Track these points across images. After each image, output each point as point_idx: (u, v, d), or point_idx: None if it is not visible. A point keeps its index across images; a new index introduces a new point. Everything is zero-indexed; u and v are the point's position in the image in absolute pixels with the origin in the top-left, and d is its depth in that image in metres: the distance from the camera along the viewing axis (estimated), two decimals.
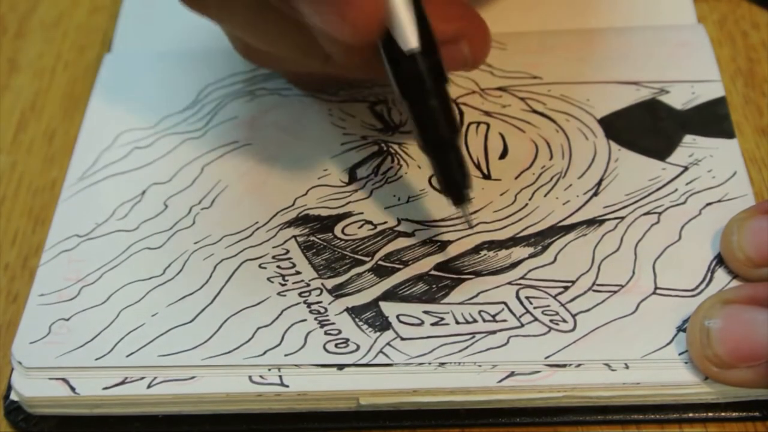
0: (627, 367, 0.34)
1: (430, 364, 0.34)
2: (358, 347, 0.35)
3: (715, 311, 0.33)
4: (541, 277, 0.36)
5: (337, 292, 0.36)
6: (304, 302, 0.36)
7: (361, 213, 0.39)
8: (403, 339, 0.35)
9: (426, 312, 0.36)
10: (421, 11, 0.33)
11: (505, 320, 0.35)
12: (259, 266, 0.37)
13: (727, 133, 0.40)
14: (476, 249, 0.37)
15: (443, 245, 0.37)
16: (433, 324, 0.35)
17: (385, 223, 0.38)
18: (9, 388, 0.36)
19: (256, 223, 0.39)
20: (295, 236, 0.38)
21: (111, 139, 0.42)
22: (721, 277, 0.36)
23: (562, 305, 0.35)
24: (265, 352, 0.35)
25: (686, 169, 0.39)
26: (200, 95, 0.43)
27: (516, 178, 0.39)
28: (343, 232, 0.38)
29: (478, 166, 0.40)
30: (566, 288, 0.36)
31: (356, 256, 0.37)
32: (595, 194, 0.39)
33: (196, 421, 0.35)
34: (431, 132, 0.34)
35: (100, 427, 0.35)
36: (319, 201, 0.39)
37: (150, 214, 0.39)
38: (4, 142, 0.44)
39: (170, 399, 0.34)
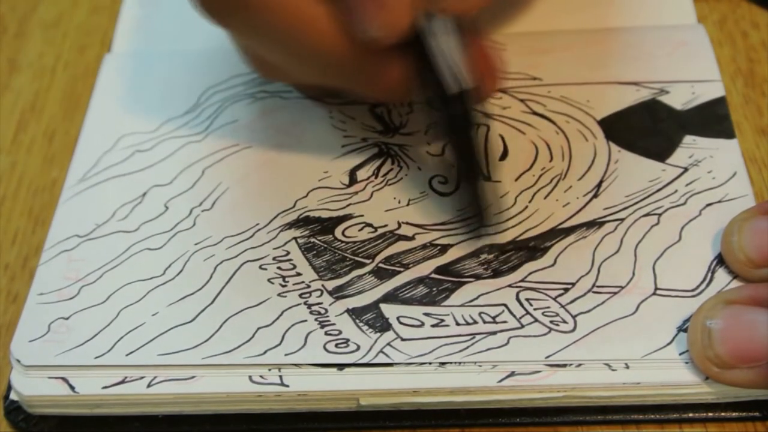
0: (627, 367, 0.34)
1: (430, 364, 0.34)
2: (359, 347, 0.35)
3: (716, 312, 0.33)
4: (542, 280, 0.36)
5: (338, 293, 0.36)
6: (305, 303, 0.36)
7: (362, 215, 0.39)
8: (403, 339, 0.35)
9: (426, 314, 0.36)
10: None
11: (505, 321, 0.35)
12: (260, 267, 0.37)
13: (727, 133, 0.40)
14: (476, 252, 0.37)
15: (444, 248, 0.37)
16: (433, 325, 0.35)
17: (386, 225, 0.38)
18: (9, 388, 0.36)
19: (257, 224, 0.39)
20: (295, 238, 0.38)
21: (112, 142, 0.42)
22: (722, 278, 0.36)
23: (563, 306, 0.35)
24: (265, 352, 0.35)
25: (686, 170, 0.39)
26: (201, 98, 0.43)
27: (516, 180, 0.39)
28: (343, 234, 0.38)
29: None
30: (566, 290, 0.36)
31: (357, 259, 0.37)
32: (595, 196, 0.39)
33: (196, 421, 0.35)
34: (476, 163, 0.37)
35: (100, 428, 0.35)
36: (320, 203, 0.39)
37: (150, 215, 0.39)
38: (4, 142, 0.44)
39: (170, 398, 0.34)
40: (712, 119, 0.41)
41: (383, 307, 0.36)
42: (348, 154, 0.41)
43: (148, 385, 0.34)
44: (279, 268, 0.37)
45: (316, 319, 0.36)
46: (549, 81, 0.42)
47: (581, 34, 0.44)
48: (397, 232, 0.38)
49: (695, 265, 0.36)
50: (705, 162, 0.39)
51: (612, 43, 0.44)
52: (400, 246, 0.38)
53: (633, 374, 0.34)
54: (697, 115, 0.41)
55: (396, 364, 0.34)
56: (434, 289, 0.36)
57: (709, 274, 0.36)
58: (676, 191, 0.38)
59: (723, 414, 0.34)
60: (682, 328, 0.34)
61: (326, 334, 0.35)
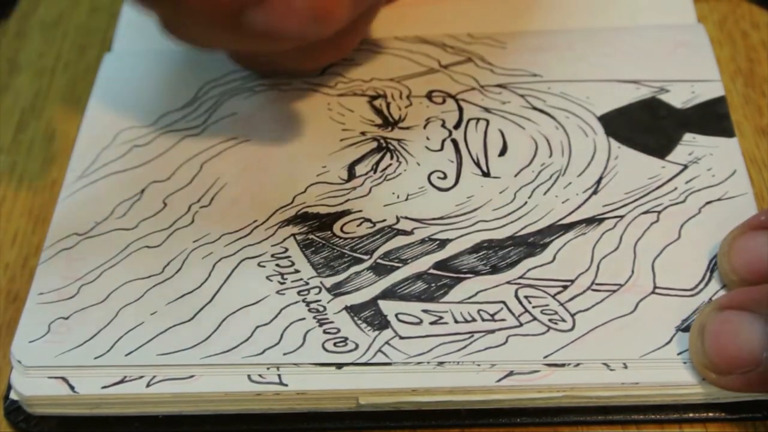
0: (626, 366, 0.34)
1: (428, 363, 0.34)
2: (357, 346, 0.35)
3: (710, 317, 0.33)
4: (540, 276, 0.36)
5: (336, 290, 0.36)
6: (303, 301, 0.36)
7: (360, 211, 0.39)
8: (401, 338, 0.35)
9: (425, 311, 0.35)
10: None
11: (503, 319, 0.35)
12: (258, 265, 0.37)
13: (727, 132, 0.40)
14: (475, 248, 0.37)
15: (442, 243, 0.37)
16: (431, 323, 0.35)
17: (384, 221, 0.38)
18: (9, 388, 0.36)
19: (255, 221, 0.39)
20: (294, 234, 0.38)
21: (110, 138, 0.42)
22: (721, 277, 0.36)
23: (561, 304, 0.35)
24: (264, 351, 0.35)
25: (686, 167, 0.39)
26: (199, 92, 0.43)
27: (515, 175, 0.39)
28: (342, 230, 0.38)
29: (477, 163, 0.40)
30: (565, 287, 0.36)
31: (355, 255, 0.37)
32: (595, 192, 0.39)
33: (196, 421, 0.35)
34: None
35: (100, 428, 0.35)
36: (318, 198, 0.39)
37: (149, 212, 0.39)
38: (4, 142, 0.44)
39: (169, 398, 0.34)
40: (711, 118, 0.41)
41: (382, 303, 0.36)
42: (347, 149, 0.41)
43: (147, 385, 0.34)
44: (277, 265, 0.37)
45: (314, 317, 0.36)
46: (549, 77, 0.42)
47: (582, 33, 0.44)
48: (395, 227, 0.38)
49: (694, 263, 0.36)
50: (705, 160, 0.39)
51: (612, 42, 0.44)
52: (399, 241, 0.38)
53: (631, 374, 0.34)
54: (696, 113, 0.41)
55: (394, 363, 0.34)
56: (433, 285, 0.36)
57: (708, 273, 0.36)
58: (675, 189, 0.38)
59: (723, 414, 0.34)
60: (680, 328, 0.34)
61: (325, 332, 0.35)
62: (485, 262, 0.37)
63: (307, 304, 0.36)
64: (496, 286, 0.36)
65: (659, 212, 0.38)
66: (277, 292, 0.36)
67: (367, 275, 0.37)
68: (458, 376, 0.34)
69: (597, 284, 0.36)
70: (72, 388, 0.34)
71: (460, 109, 0.42)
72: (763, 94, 0.43)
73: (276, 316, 0.36)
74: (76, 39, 0.49)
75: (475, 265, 0.37)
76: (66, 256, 0.38)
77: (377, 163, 0.40)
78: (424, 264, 0.37)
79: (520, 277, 0.36)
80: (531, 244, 0.37)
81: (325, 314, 0.36)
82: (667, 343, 0.34)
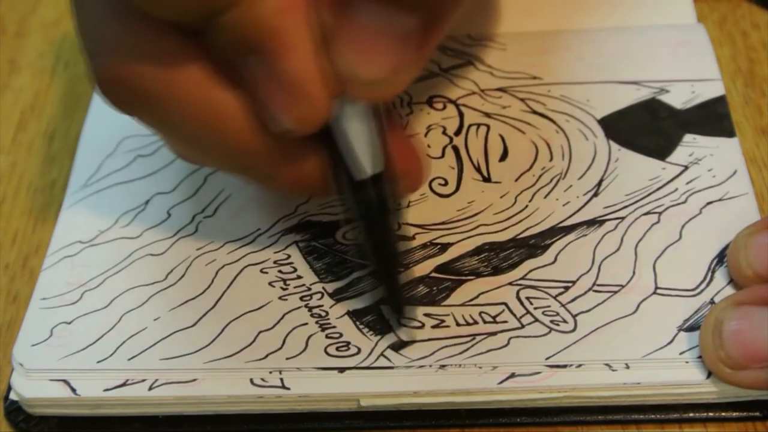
0: (627, 367, 0.34)
1: (431, 366, 0.34)
2: (359, 350, 0.35)
3: (727, 313, 0.33)
4: (542, 278, 0.36)
5: (338, 295, 0.36)
6: (306, 306, 0.36)
7: None
8: (403, 342, 0.35)
9: (427, 314, 0.36)
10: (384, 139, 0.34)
11: (505, 321, 0.35)
12: (261, 271, 0.37)
13: (728, 131, 0.40)
14: (477, 251, 0.37)
15: (443, 247, 0.37)
16: (433, 326, 0.35)
17: None
18: (9, 388, 0.36)
19: (258, 229, 0.39)
20: (296, 241, 0.38)
21: (113, 146, 0.42)
22: (722, 277, 0.36)
23: (563, 306, 0.35)
24: (266, 356, 0.35)
25: (686, 168, 0.39)
26: None
27: (516, 180, 0.39)
28: (344, 237, 0.38)
29: (478, 169, 0.40)
30: (567, 288, 0.36)
31: (357, 260, 0.37)
32: (596, 195, 0.39)
33: (197, 421, 0.35)
34: (394, 254, 0.35)
35: (100, 428, 0.35)
36: (321, 208, 0.39)
37: (153, 222, 0.39)
38: (4, 142, 0.44)
39: (171, 401, 0.34)
40: (712, 118, 0.41)
41: (384, 308, 0.36)
42: None
43: (150, 388, 0.34)
44: (280, 271, 0.37)
45: (317, 322, 0.36)
46: (549, 80, 0.42)
47: (581, 34, 0.44)
48: (397, 233, 0.38)
49: (695, 264, 0.36)
50: (705, 160, 0.39)
51: (612, 43, 0.43)
52: (400, 246, 0.38)
53: (633, 374, 0.34)
54: (697, 113, 0.41)
55: (396, 367, 0.34)
56: (434, 288, 0.36)
57: (710, 274, 0.36)
58: (676, 189, 0.38)
59: (723, 414, 0.34)
60: (682, 328, 0.34)
61: (327, 337, 0.35)
62: (487, 263, 0.37)
63: (310, 309, 0.36)
64: (498, 287, 0.36)
65: (660, 213, 0.38)
66: (280, 298, 0.36)
67: (369, 280, 0.37)
68: (460, 378, 0.34)
69: (598, 285, 0.36)
70: (73, 390, 0.35)
71: (461, 115, 0.42)
72: (763, 94, 0.43)
73: (278, 322, 0.36)
74: (76, 39, 0.48)
75: (477, 267, 0.37)
76: (70, 262, 0.38)
77: None
78: (425, 268, 0.37)
79: (522, 279, 0.36)
80: (532, 245, 0.37)
81: (328, 319, 0.36)
82: (669, 343, 0.34)
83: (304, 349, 0.35)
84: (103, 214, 0.39)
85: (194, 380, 0.35)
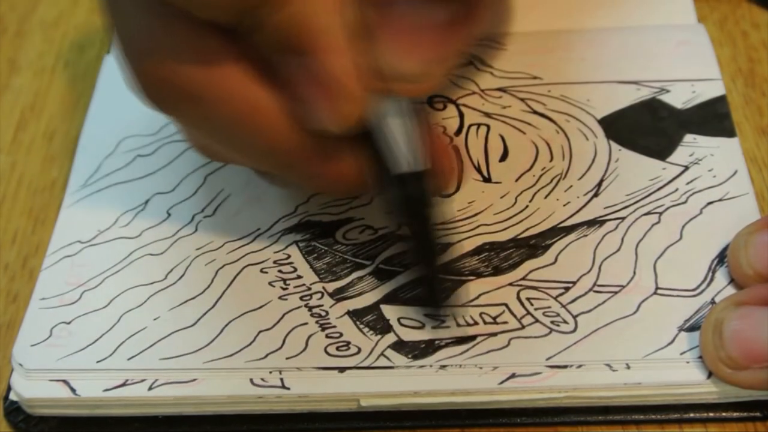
0: (628, 367, 0.34)
1: (431, 366, 0.34)
2: (359, 350, 0.35)
3: (727, 313, 0.33)
4: (542, 278, 0.36)
5: (338, 295, 0.36)
6: (306, 306, 0.36)
7: (362, 218, 0.39)
8: (404, 342, 0.35)
9: (427, 315, 0.36)
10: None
11: (506, 322, 0.35)
12: (261, 271, 0.37)
13: (728, 131, 0.40)
14: (477, 250, 0.37)
15: (444, 247, 0.37)
16: (434, 327, 0.35)
17: (386, 227, 0.38)
18: (9, 388, 0.36)
19: (258, 229, 0.39)
20: (296, 241, 0.38)
21: (113, 145, 0.42)
22: (723, 277, 0.36)
23: (563, 306, 0.35)
24: (266, 356, 0.35)
25: (687, 168, 0.39)
26: None
27: (516, 180, 0.39)
28: (344, 237, 0.38)
29: (478, 169, 0.40)
30: (567, 289, 0.36)
31: (357, 260, 0.37)
32: (596, 195, 0.39)
33: (196, 421, 0.35)
34: (434, 248, 0.35)
35: (100, 428, 0.35)
36: (321, 207, 0.39)
37: (153, 222, 0.39)
38: (4, 142, 0.44)
39: (171, 401, 0.34)
40: (712, 118, 0.41)
41: (384, 308, 0.36)
42: None
43: (150, 388, 0.34)
44: (280, 271, 0.37)
45: (317, 322, 0.36)
46: (549, 80, 0.42)
47: (581, 34, 0.44)
48: (397, 233, 0.38)
49: (696, 264, 0.36)
50: (706, 160, 0.39)
51: (612, 43, 0.43)
52: (401, 246, 0.38)
53: (634, 374, 0.34)
54: (697, 113, 0.41)
55: (397, 367, 0.34)
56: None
57: (710, 274, 0.36)
58: (676, 190, 0.38)
59: (724, 414, 0.34)
60: (683, 328, 0.34)
61: (327, 336, 0.35)
62: (487, 263, 0.37)
63: (310, 309, 0.36)
64: (498, 288, 0.36)
65: (660, 213, 0.38)
66: (280, 298, 0.36)
67: (369, 280, 0.37)
68: (460, 378, 0.34)
69: (599, 286, 0.36)
70: (73, 390, 0.35)
71: (461, 115, 0.42)
72: (764, 94, 0.43)
73: (278, 321, 0.36)
74: (76, 39, 0.48)
75: (477, 267, 0.37)
76: (69, 262, 0.38)
77: None
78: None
79: (522, 279, 0.36)
80: (533, 246, 0.37)
81: (328, 319, 0.36)
82: (670, 343, 0.34)
83: (304, 349, 0.35)
84: (102, 214, 0.39)
85: (194, 380, 0.35)
